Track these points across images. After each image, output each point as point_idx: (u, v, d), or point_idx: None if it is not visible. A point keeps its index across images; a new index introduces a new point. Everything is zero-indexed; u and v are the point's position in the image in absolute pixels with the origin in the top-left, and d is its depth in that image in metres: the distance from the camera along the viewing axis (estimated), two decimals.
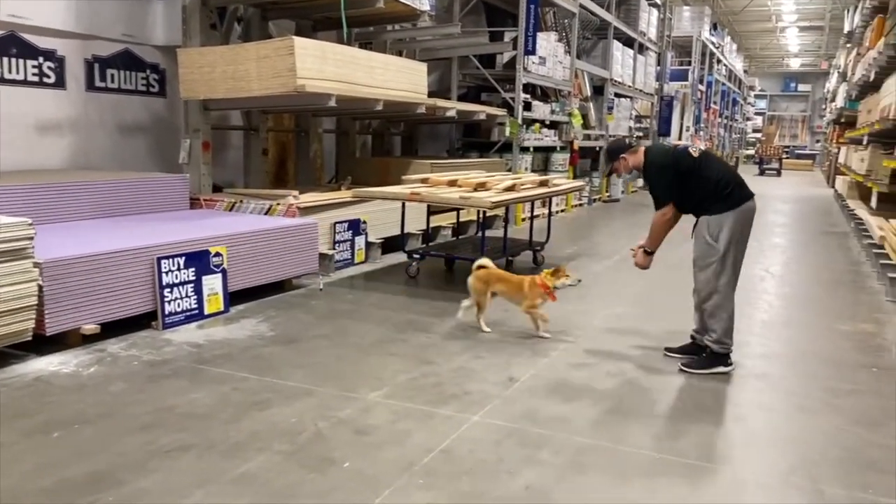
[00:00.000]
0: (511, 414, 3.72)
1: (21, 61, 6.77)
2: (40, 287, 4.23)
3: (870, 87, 11.13)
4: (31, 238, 4.16)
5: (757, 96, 44.52)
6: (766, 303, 6.61)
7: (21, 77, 6.78)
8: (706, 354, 4.62)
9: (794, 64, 44.74)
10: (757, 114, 44.82)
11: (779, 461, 3.35)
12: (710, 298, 4.55)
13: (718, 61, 27.68)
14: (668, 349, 4.90)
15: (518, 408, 3.81)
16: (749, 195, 4.56)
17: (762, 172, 29.08)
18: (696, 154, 4.62)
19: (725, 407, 4.02)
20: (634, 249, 4.85)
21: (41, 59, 6.94)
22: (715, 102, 28.18)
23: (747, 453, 3.44)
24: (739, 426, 3.77)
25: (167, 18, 7.92)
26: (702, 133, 25.48)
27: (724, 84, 29.99)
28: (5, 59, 6.63)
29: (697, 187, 4.50)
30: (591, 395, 4.07)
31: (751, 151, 37.97)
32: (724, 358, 4.57)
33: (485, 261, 5.44)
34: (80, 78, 7.32)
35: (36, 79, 6.91)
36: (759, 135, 41.66)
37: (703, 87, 25.06)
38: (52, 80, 7.05)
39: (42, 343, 4.36)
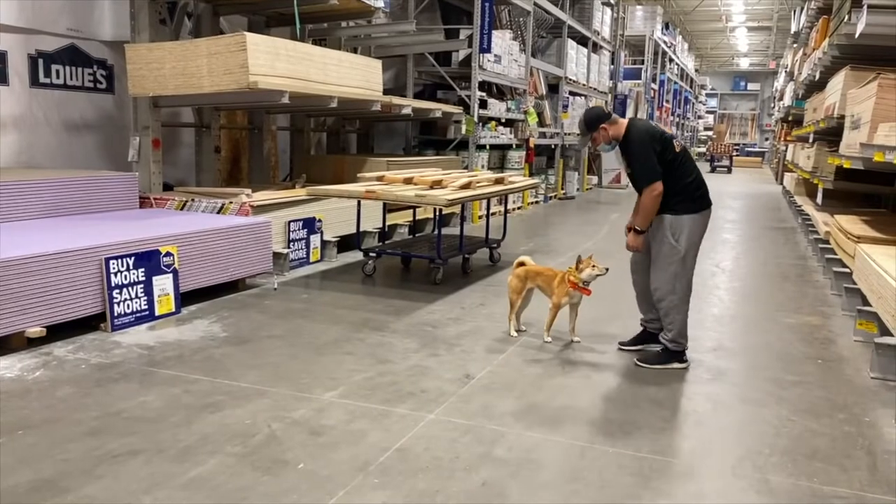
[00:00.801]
0: (467, 411, 3.73)
1: None
2: None
3: (815, 87, 11.43)
4: None
5: (708, 95, 45.42)
6: (717, 297, 6.75)
7: None
8: (662, 350, 4.70)
9: (744, 63, 45.76)
10: (708, 112, 45.72)
11: (726, 452, 3.42)
12: (666, 298, 4.62)
13: (671, 60, 28.15)
14: (621, 343, 4.98)
15: (474, 405, 3.82)
16: (710, 201, 4.66)
17: (713, 170, 29.70)
18: (678, 148, 4.59)
19: (676, 400, 4.09)
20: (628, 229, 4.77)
21: None
22: (667, 101, 28.64)
23: (696, 445, 3.51)
24: (689, 419, 3.84)
25: (115, 13, 7.74)
26: None
27: (676, 83, 30.51)
28: None
29: (672, 181, 4.47)
30: (546, 391, 4.11)
31: (702, 149, 38.71)
32: (679, 355, 4.66)
33: (525, 258, 5.23)
34: (23, 74, 7.11)
35: None
36: (710, 133, 42.48)
37: (655, 86, 25.45)
38: None
39: None
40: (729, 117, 47.13)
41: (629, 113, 21.97)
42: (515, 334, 5.12)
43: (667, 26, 26.96)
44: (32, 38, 7.15)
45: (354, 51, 10.46)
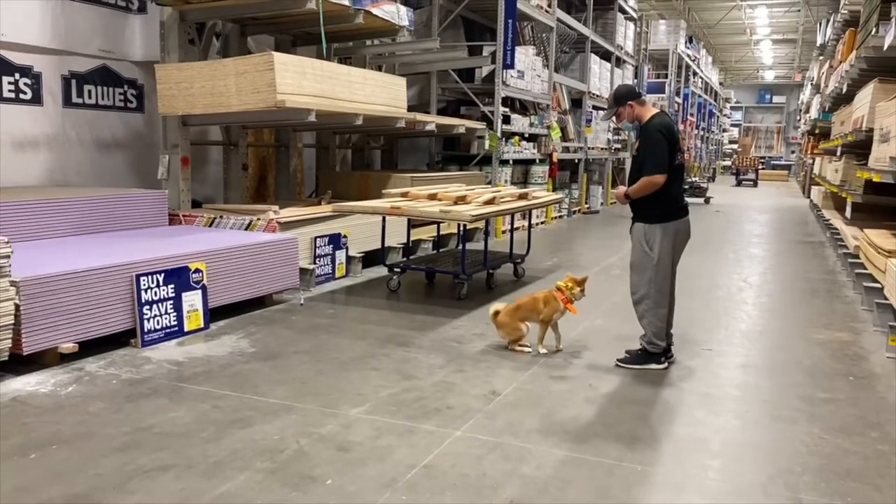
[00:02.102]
0: (493, 428, 3.72)
1: None
2: (17, 306, 4.18)
3: (843, 99, 11.32)
4: (8, 256, 4.11)
5: (732, 108, 45.12)
6: (745, 313, 6.68)
7: None
8: (640, 352, 4.86)
9: (769, 76, 45.45)
10: (733, 125, 45.39)
11: (757, 470, 3.38)
12: (642, 302, 4.82)
13: (694, 74, 28.05)
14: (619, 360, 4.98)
15: (500, 422, 3.81)
16: (687, 211, 4.89)
17: (739, 183, 29.43)
18: (677, 161, 4.77)
19: (704, 417, 4.05)
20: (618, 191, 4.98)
21: (17, 76, 6.88)
22: (692, 114, 28.51)
23: (727, 463, 3.47)
24: (719, 436, 3.80)
25: (145, 34, 7.90)
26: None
27: (700, 96, 30.37)
28: None
29: (664, 187, 4.64)
30: (573, 407, 4.09)
31: (727, 162, 38.42)
32: (656, 356, 4.82)
33: (496, 305, 5.24)
34: (56, 94, 7.27)
35: (12, 95, 6.85)
36: (735, 146, 42.18)
37: (679, 100, 25.36)
38: (28, 96, 6.99)
39: (19, 363, 4.31)
40: (754, 130, 46.76)
41: None
42: (544, 350, 5.09)
43: (690, 40, 26.90)
44: (66, 60, 7.31)
45: (379, 68, 10.56)
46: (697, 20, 30.00)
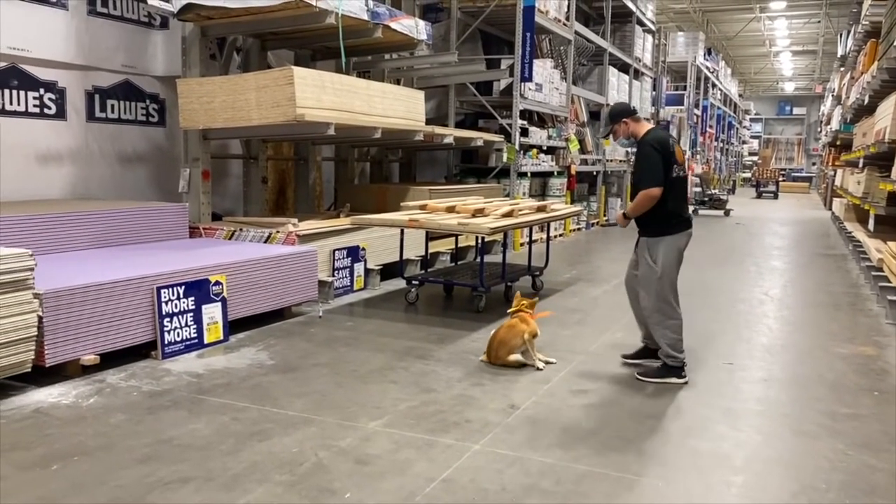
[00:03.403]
0: (512, 442, 3.70)
1: (22, 93, 6.82)
2: (40, 318, 4.23)
3: (864, 111, 11.22)
4: (32, 269, 4.16)
5: (752, 120, 44.81)
6: (766, 326, 6.61)
7: (22, 108, 6.83)
8: (660, 366, 4.86)
9: (789, 87, 45.12)
10: (753, 137, 45.06)
11: (781, 487, 3.33)
12: (652, 316, 4.88)
13: (713, 86, 27.92)
14: (624, 356, 5.20)
15: (519, 436, 3.79)
16: (690, 224, 4.99)
17: (759, 195, 29.20)
18: (674, 173, 4.82)
19: (726, 432, 4.00)
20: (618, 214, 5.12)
21: (42, 91, 7.00)
22: (711, 126, 28.35)
23: (749, 479, 3.42)
24: (741, 452, 3.75)
25: (167, 49, 8.00)
26: (699, 157, 25.61)
27: (719, 108, 30.20)
28: (6, 91, 6.68)
29: (662, 201, 4.74)
30: (592, 421, 4.06)
31: (747, 174, 38.13)
32: (677, 370, 4.81)
33: (483, 356, 5.14)
34: (80, 109, 7.37)
35: (37, 110, 6.96)
36: (755, 158, 41.87)
37: (698, 112, 25.24)
38: (52, 111, 7.10)
39: (41, 374, 4.35)
40: (774, 142, 46.40)
41: None
42: (542, 367, 4.99)
43: (709, 52, 26.79)
44: (89, 75, 7.43)
45: (397, 82, 10.62)
46: (716, 32, 29.89)
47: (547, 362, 5.07)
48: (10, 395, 4.16)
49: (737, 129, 37.35)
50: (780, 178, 32.13)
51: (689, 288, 8.60)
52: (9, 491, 3.07)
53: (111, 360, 4.72)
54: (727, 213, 19.14)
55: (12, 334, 4.07)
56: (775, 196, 29.00)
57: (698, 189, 21.46)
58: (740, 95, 39.41)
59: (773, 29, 29.67)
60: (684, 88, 23.90)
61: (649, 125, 4.98)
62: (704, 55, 25.29)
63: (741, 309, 7.33)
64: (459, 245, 8.78)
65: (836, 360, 5.51)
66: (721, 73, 29.67)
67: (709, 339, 6.03)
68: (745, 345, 5.96)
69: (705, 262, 10.56)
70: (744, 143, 41.35)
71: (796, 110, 45.85)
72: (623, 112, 4.94)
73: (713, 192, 20.85)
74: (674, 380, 4.76)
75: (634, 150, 5.06)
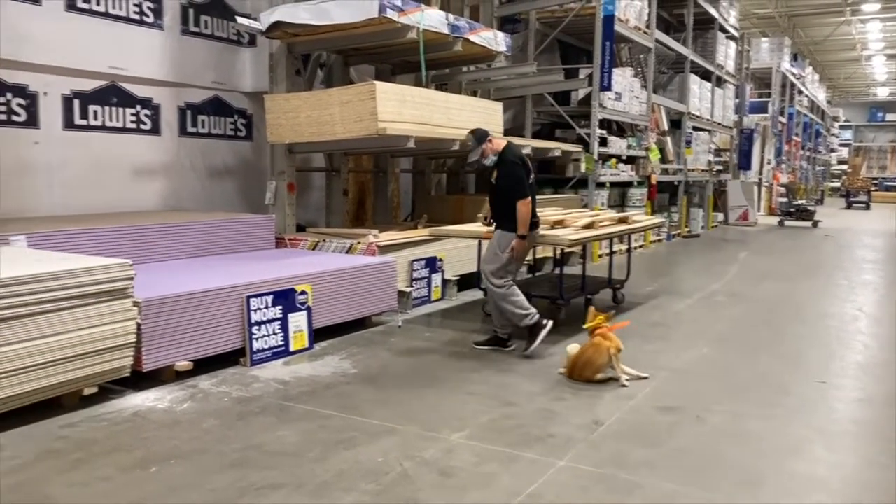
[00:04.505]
0: (598, 459, 3.64)
1: (120, 110, 7.19)
2: (139, 325, 4.42)
3: None
4: (132, 278, 4.37)
5: (841, 127, 42.98)
6: (860, 343, 6.31)
7: (120, 124, 7.20)
8: (492, 336, 5.69)
9: (882, 93, 43.09)
10: (842, 145, 43.20)
11: None
12: (493, 295, 5.58)
13: (800, 92, 26.94)
14: (476, 343, 5.77)
15: (604, 453, 3.73)
16: (538, 225, 5.87)
17: (849, 206, 27.95)
18: (531, 181, 5.52)
19: (822, 454, 3.83)
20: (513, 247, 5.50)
21: (138, 107, 7.36)
22: (797, 134, 27.37)
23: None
24: (837, 474, 3.59)
25: (254, 66, 8.30)
26: (784, 166, 24.74)
27: (806, 115, 29.12)
28: (106, 108, 7.06)
29: (513, 209, 5.38)
30: (680, 439, 3.96)
31: (836, 184, 36.57)
32: (504, 341, 5.66)
33: (562, 369, 5.10)
34: (173, 124, 7.71)
35: (133, 126, 7.32)
36: (844, 167, 40.12)
37: (783, 119, 24.40)
38: (148, 126, 7.45)
39: (139, 379, 4.55)
40: (865, 150, 44.33)
41: (756, 148, 21.20)
42: (627, 384, 4.89)
43: (795, 57, 25.89)
44: (182, 91, 7.76)
45: (475, 93, 10.68)
46: (803, 37, 28.84)
47: (639, 377, 4.97)
48: (110, 398, 4.37)
49: (824, 136, 35.90)
50: (872, 188, 30.66)
51: (779, 302, 8.34)
52: (112, 491, 3.21)
53: (203, 366, 4.89)
54: (815, 224, 18.39)
55: (113, 340, 4.28)
56: (867, 206, 27.67)
57: (784, 199, 20.72)
58: (828, 102, 37.89)
59: (866, 32, 28.43)
60: (768, 96, 23.18)
61: (504, 140, 5.66)
62: (790, 61, 24.44)
63: (832, 325, 7.02)
64: (537, 256, 8.72)
65: None
66: (808, 80, 28.59)
67: (800, 356, 5.81)
68: (838, 362, 5.70)
69: (793, 275, 10.18)
70: (832, 151, 39.72)
71: (889, 116, 43.66)
72: (486, 133, 5.54)
73: (800, 202, 20.07)
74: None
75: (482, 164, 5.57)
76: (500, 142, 5.58)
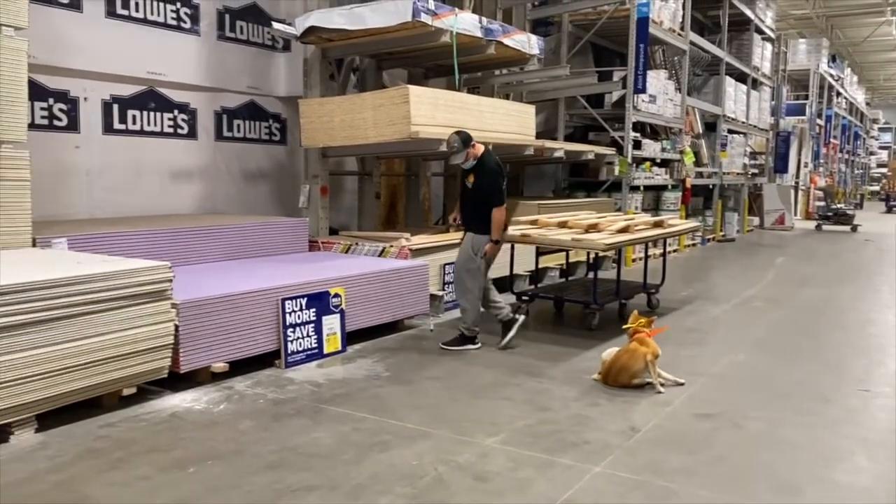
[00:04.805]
0: (634, 466, 3.60)
1: (158, 114, 7.30)
2: (176, 327, 4.48)
3: None
4: (170, 280, 4.42)
5: (881, 129, 42.07)
6: None
7: (158, 129, 7.31)
8: (458, 337, 5.82)
9: None
10: (881, 148, 42.29)
11: None
12: (464, 296, 5.81)
13: (838, 94, 26.45)
14: (443, 344, 5.85)
15: (641, 459, 3.68)
16: (507, 228, 6.05)
17: (889, 210, 27.38)
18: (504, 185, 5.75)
19: (866, 464, 3.74)
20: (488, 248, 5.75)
21: (176, 112, 7.46)
22: (835, 137, 26.85)
23: None
24: (882, 486, 3.49)
25: (288, 70, 8.37)
26: (821, 169, 24.29)
27: (844, 118, 28.57)
28: (145, 113, 7.17)
29: (487, 214, 5.64)
30: (719, 447, 3.90)
31: (875, 187, 35.79)
32: (471, 339, 5.82)
33: (596, 375, 5.06)
34: (209, 128, 7.81)
35: (171, 130, 7.43)
36: (884, 170, 39.23)
37: (821, 122, 23.97)
38: (185, 131, 7.56)
39: (176, 380, 4.61)
40: None
41: (793, 151, 20.86)
42: (663, 391, 4.82)
43: (833, 59, 25.42)
44: (218, 96, 7.86)
45: (507, 96, 10.66)
46: (841, 38, 28.31)
47: (676, 382, 4.91)
48: (148, 398, 4.43)
49: (863, 139, 35.19)
50: None
51: (818, 307, 8.18)
52: (151, 491, 3.25)
53: (238, 367, 4.93)
54: (854, 228, 18.02)
55: (152, 342, 4.33)
56: None
57: (822, 203, 20.35)
58: (867, 104, 37.14)
59: None
60: (806, 98, 22.79)
61: (482, 146, 5.80)
62: (828, 62, 24.01)
63: (874, 332, 6.87)
64: (570, 260, 8.67)
65: None
66: (846, 81, 28.07)
67: (840, 364, 5.69)
68: (880, 370, 5.57)
69: (832, 280, 9.99)
70: (871, 154, 38.92)
71: None
72: (469, 137, 5.69)
73: (838, 206, 19.70)
74: (470, 346, 5.77)
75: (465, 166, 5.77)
76: (479, 147, 5.78)
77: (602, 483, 3.40)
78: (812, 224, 19.39)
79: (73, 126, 6.62)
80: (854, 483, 3.52)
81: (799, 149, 21.96)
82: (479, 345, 5.83)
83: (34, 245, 4.99)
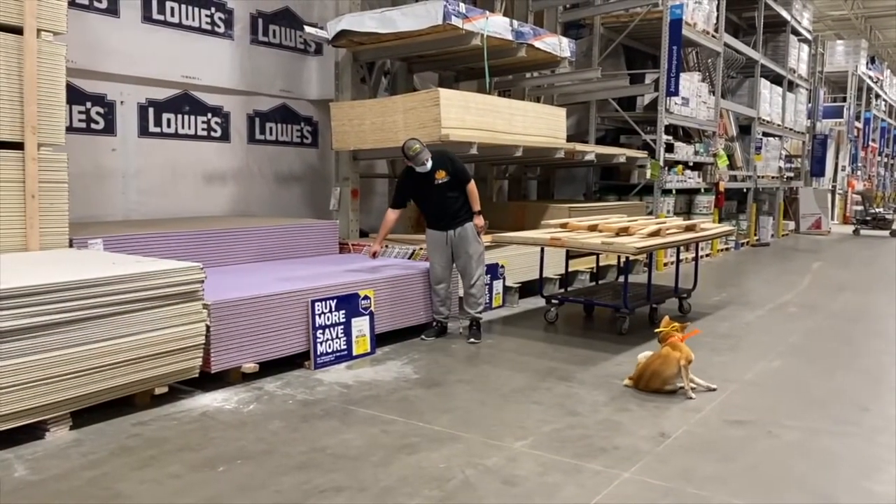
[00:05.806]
0: (665, 472, 3.55)
1: (193, 118, 7.41)
2: (208, 327, 4.53)
3: None
4: (202, 281, 4.48)
5: None
6: None
7: (192, 132, 7.42)
8: (476, 328, 6.15)
9: None
10: None
11: None
12: (479, 281, 6.11)
13: (877, 96, 25.90)
14: (424, 335, 6.10)
15: (672, 466, 3.63)
16: None
17: None
18: None
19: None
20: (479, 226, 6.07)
21: (209, 115, 7.57)
22: (873, 140, 26.29)
23: None
24: None
25: (320, 74, 8.44)
26: (859, 173, 23.81)
27: (883, 120, 27.97)
28: (180, 116, 7.28)
29: (466, 201, 6.01)
30: (752, 455, 3.83)
31: None
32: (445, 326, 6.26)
33: (627, 380, 5.00)
34: (242, 131, 7.91)
35: (205, 133, 7.54)
36: None
37: (859, 125, 23.49)
38: (218, 133, 7.66)
39: (207, 380, 4.66)
40: None
41: (830, 154, 20.51)
42: (693, 396, 4.76)
43: (872, 60, 24.91)
44: (251, 100, 7.96)
45: (538, 99, 10.62)
46: (881, 39, 27.76)
47: (708, 388, 4.84)
48: (179, 398, 4.48)
49: None
50: None
51: (855, 314, 8.01)
52: (182, 489, 3.29)
53: (267, 368, 4.97)
54: (893, 233, 17.62)
55: (184, 342, 4.39)
56: None
57: (860, 207, 19.95)
58: None
59: None
60: (843, 100, 22.37)
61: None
62: (867, 64, 23.54)
63: None
64: (600, 264, 8.60)
65: None
66: (886, 83, 27.47)
67: (879, 372, 5.55)
68: None
69: (870, 286, 9.78)
70: None
71: None
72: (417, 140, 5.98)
73: (877, 210, 19.29)
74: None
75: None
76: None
77: (631, 489, 3.36)
78: (849, 229, 19.00)
79: (109, 129, 6.75)
80: (891, 494, 3.43)
81: (836, 152, 21.56)
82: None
83: (71, 245, 5.09)
